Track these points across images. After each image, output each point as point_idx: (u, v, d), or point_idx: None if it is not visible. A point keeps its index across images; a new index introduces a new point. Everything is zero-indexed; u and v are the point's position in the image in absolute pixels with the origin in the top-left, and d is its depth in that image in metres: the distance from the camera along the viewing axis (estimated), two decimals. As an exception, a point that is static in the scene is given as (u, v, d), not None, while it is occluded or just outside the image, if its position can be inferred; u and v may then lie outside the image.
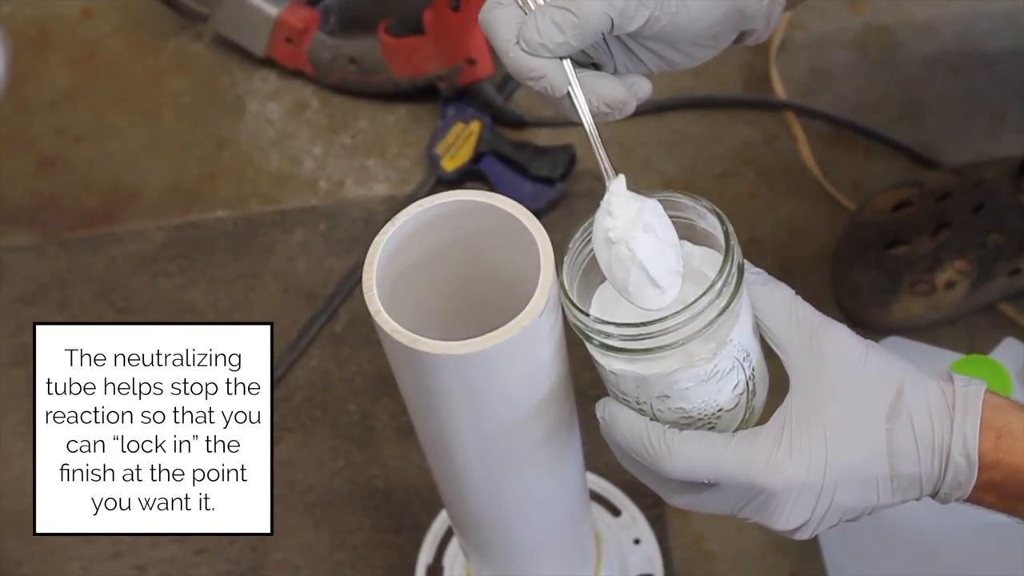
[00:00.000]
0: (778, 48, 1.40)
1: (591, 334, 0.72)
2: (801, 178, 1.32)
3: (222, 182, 1.39)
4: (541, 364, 0.76)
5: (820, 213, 1.30)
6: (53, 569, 1.18)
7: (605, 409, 0.77)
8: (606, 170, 0.75)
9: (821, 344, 0.73)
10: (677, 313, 0.69)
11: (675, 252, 0.72)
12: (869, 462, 0.72)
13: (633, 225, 0.71)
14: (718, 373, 0.73)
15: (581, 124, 0.76)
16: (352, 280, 1.30)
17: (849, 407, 0.72)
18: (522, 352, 0.73)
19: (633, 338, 0.71)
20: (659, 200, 0.73)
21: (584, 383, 1.20)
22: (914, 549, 1.02)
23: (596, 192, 1.40)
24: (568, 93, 0.74)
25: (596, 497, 1.14)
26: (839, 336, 0.73)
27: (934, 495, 0.74)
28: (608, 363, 0.74)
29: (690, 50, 0.78)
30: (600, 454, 1.16)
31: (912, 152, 1.32)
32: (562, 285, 0.73)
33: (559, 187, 1.32)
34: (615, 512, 1.14)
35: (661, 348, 0.70)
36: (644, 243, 0.71)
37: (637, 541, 1.13)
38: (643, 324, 0.70)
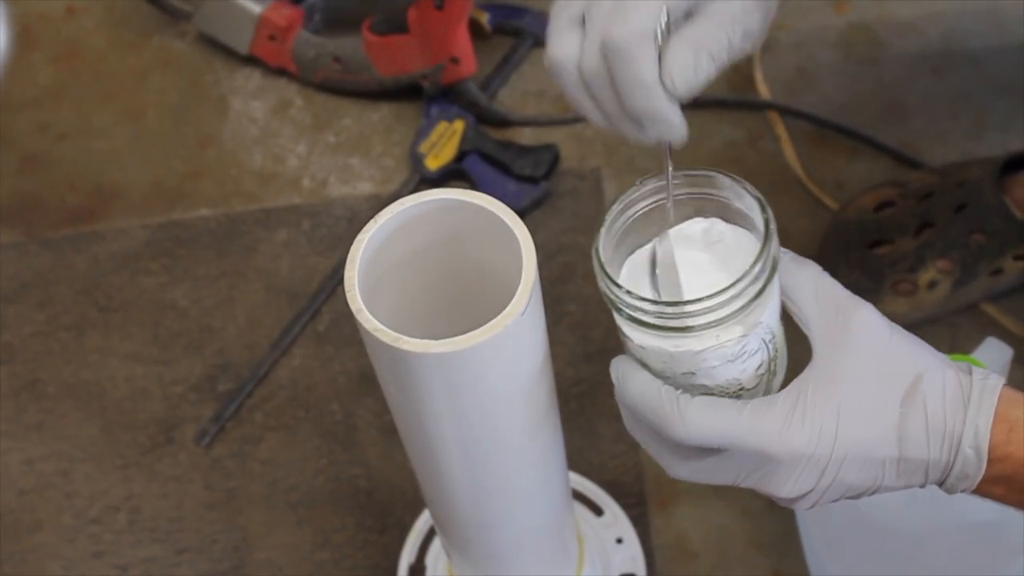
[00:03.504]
0: (762, 48, 1.40)
1: (623, 307, 0.72)
2: (785, 178, 1.33)
3: (205, 180, 1.39)
4: (524, 363, 0.76)
5: (803, 213, 1.30)
6: (34, 569, 1.18)
7: (619, 369, 0.76)
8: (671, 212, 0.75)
9: (847, 321, 0.73)
10: (714, 295, 0.70)
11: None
12: (878, 442, 0.72)
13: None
14: (745, 353, 0.73)
15: (664, 172, 0.75)
16: (335, 279, 1.30)
17: (866, 385, 0.72)
18: (504, 351, 0.73)
19: (667, 316, 0.71)
20: (697, 175, 0.74)
21: (567, 381, 1.20)
22: (896, 548, 1.02)
23: (579, 191, 1.41)
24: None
25: (579, 496, 1.14)
26: (865, 314, 0.74)
27: (940, 484, 0.74)
28: (637, 337, 0.74)
29: None
30: (583, 453, 1.17)
31: (895, 152, 1.33)
32: (597, 255, 0.73)
33: (542, 186, 1.32)
34: (598, 511, 1.14)
35: (694, 328, 0.71)
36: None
37: (620, 540, 1.13)
38: (679, 303, 0.71)
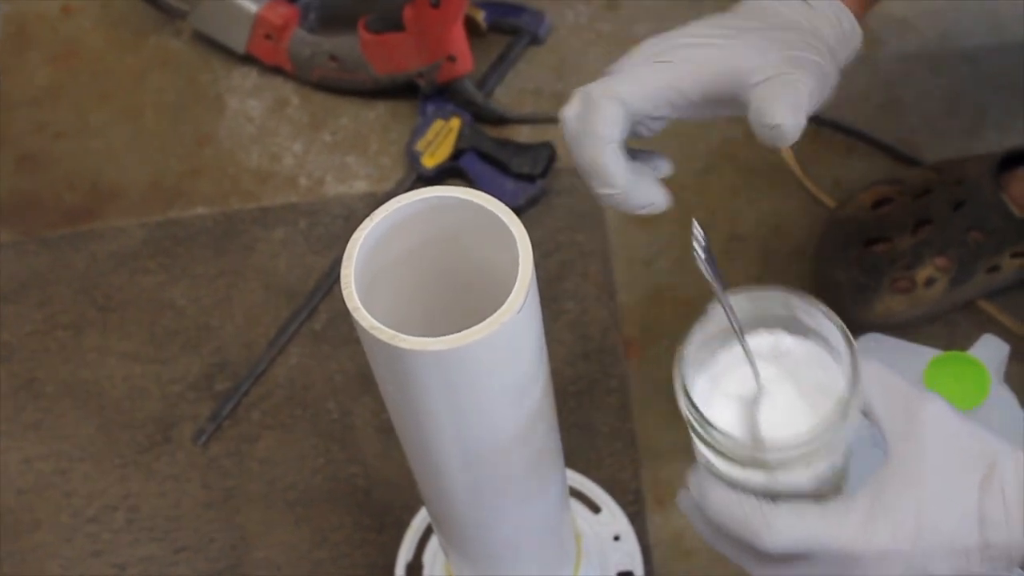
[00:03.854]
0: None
1: (711, 442, 0.72)
2: (782, 175, 1.33)
3: (203, 179, 1.39)
4: (521, 361, 0.76)
5: (801, 210, 1.30)
6: (33, 568, 1.18)
7: (697, 483, 0.76)
8: (740, 337, 0.75)
9: (917, 415, 0.74)
10: (803, 442, 0.71)
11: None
12: (960, 530, 0.72)
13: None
14: (832, 472, 0.75)
15: (721, 304, 0.75)
16: (332, 277, 1.29)
17: (943, 477, 0.73)
18: (501, 349, 0.73)
19: (758, 461, 0.72)
20: (768, 295, 0.74)
21: (564, 380, 1.20)
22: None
23: (576, 189, 1.41)
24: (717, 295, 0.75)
25: (576, 494, 1.14)
26: (934, 407, 0.74)
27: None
28: (724, 468, 0.74)
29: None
30: (580, 451, 1.17)
31: (893, 150, 1.33)
32: (684, 387, 0.73)
33: (539, 184, 1.32)
34: (595, 509, 1.14)
35: (789, 463, 0.72)
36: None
37: (617, 538, 1.13)
38: (768, 451, 0.71)
